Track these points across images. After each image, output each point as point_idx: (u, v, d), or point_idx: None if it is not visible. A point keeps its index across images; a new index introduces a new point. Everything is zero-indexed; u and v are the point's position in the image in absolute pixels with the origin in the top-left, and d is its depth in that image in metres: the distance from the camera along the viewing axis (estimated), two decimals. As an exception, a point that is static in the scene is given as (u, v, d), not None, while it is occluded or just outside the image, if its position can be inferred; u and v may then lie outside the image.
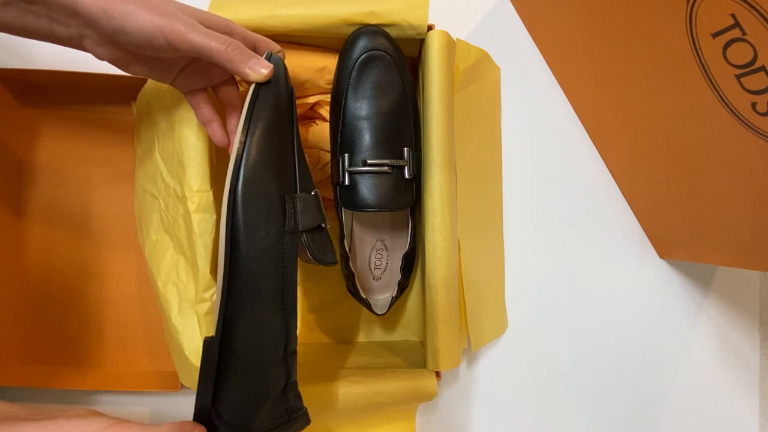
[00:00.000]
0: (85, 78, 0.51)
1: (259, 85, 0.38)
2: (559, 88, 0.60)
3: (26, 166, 0.56)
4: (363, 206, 0.46)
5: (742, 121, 0.38)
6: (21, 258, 0.56)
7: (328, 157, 0.52)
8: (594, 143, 0.60)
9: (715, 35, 0.35)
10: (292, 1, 0.46)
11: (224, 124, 0.43)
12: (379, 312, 0.53)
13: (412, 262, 0.53)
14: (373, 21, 0.46)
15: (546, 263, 0.60)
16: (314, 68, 0.49)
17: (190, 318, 0.45)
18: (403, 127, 0.48)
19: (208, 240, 0.45)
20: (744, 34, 0.33)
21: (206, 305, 0.45)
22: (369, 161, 0.46)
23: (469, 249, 0.53)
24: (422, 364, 0.50)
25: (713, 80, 0.38)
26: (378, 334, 0.59)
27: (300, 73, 0.49)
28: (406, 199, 0.47)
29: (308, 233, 0.39)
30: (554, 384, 0.59)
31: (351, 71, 0.46)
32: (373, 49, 0.45)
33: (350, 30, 0.46)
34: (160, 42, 0.35)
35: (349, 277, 0.51)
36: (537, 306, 0.59)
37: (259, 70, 0.37)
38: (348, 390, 0.47)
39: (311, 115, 0.54)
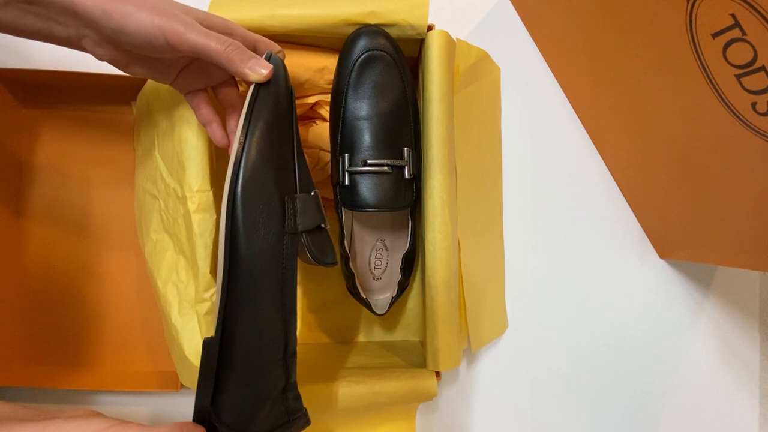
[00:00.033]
0: (85, 78, 0.51)
1: (259, 86, 0.38)
2: (559, 88, 0.60)
3: (26, 166, 0.56)
4: (363, 206, 0.46)
5: (742, 121, 0.38)
6: (21, 258, 0.56)
7: (328, 157, 0.52)
8: (594, 143, 0.60)
9: (715, 35, 0.35)
10: (292, 1, 0.46)
11: (224, 125, 0.43)
12: (379, 312, 0.53)
13: (412, 262, 0.53)
14: (373, 21, 0.46)
15: (546, 263, 0.60)
16: (314, 68, 0.49)
17: (190, 318, 0.45)
18: (403, 127, 0.48)
19: (208, 240, 0.45)
20: (744, 34, 0.33)
21: (206, 305, 0.45)
22: (369, 161, 0.46)
23: (469, 249, 0.53)
24: (422, 364, 0.50)
25: (713, 80, 0.38)
26: (378, 334, 0.59)
27: (300, 73, 0.49)
28: (406, 199, 0.47)
29: (308, 234, 0.39)
30: (554, 384, 0.59)
31: (351, 71, 0.46)
32: (373, 49, 0.45)
33: (350, 30, 0.46)
34: (160, 42, 0.35)
35: (349, 277, 0.51)
36: (537, 306, 0.59)
37: (259, 70, 0.37)
38: (348, 390, 0.47)
39: (311, 115, 0.54)
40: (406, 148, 0.47)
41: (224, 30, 0.39)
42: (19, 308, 0.55)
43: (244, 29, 0.41)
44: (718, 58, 0.36)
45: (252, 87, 0.38)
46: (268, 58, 0.39)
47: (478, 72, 0.57)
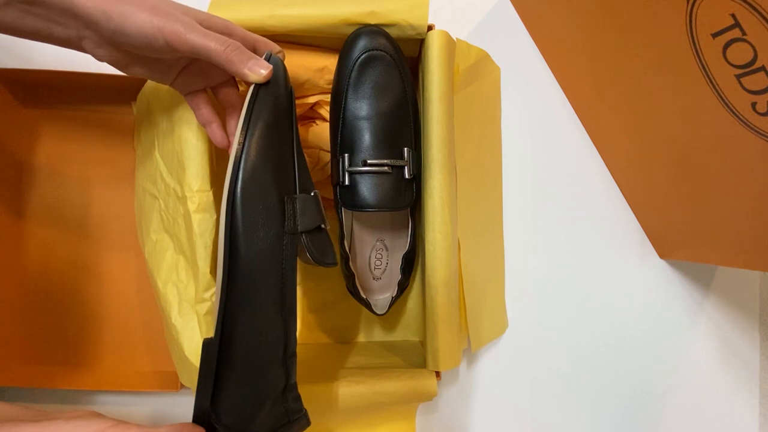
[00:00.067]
0: (85, 78, 0.51)
1: (259, 86, 0.38)
2: (559, 88, 0.60)
3: (26, 166, 0.56)
4: (363, 206, 0.46)
5: (742, 121, 0.38)
6: (21, 258, 0.56)
7: (328, 157, 0.52)
8: (594, 143, 0.60)
9: (715, 35, 0.35)
10: (292, 1, 0.46)
11: (224, 125, 0.43)
12: (379, 312, 0.53)
13: (412, 262, 0.53)
14: (373, 21, 0.46)
15: (546, 263, 0.60)
16: (314, 68, 0.49)
17: (190, 318, 0.45)
18: (403, 127, 0.48)
19: (208, 240, 0.45)
20: (744, 34, 0.33)
21: (206, 305, 0.45)
22: (369, 161, 0.46)
23: (469, 249, 0.53)
24: (422, 364, 0.50)
25: (713, 80, 0.38)
26: (378, 334, 0.59)
27: (300, 73, 0.49)
28: (406, 199, 0.47)
29: (308, 234, 0.39)
30: (554, 384, 0.59)
31: (351, 71, 0.46)
32: (373, 49, 0.45)
33: (350, 30, 0.46)
34: (160, 43, 0.35)
35: (349, 277, 0.51)
36: (537, 306, 0.59)
37: (259, 70, 0.37)
38: (348, 390, 0.47)
39: (311, 115, 0.54)
40: (406, 148, 0.47)
41: (224, 30, 0.39)
42: (19, 308, 0.55)
43: (244, 30, 0.41)
44: (718, 58, 0.36)
45: (252, 87, 0.38)
46: (268, 59, 0.39)
47: (478, 72, 0.57)
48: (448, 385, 0.58)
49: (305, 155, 0.43)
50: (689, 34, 0.37)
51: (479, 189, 0.56)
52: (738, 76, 0.36)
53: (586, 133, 0.60)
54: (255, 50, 0.40)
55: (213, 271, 0.45)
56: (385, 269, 0.54)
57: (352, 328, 0.59)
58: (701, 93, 0.40)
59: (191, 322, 0.45)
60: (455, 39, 0.50)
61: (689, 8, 0.36)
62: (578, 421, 0.59)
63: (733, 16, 0.33)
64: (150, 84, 0.49)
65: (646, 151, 0.52)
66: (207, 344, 0.35)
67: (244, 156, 0.37)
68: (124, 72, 0.39)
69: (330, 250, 0.42)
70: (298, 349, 0.40)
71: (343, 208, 0.49)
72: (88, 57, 0.38)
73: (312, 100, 0.52)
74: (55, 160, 0.57)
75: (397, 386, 0.47)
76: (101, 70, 0.47)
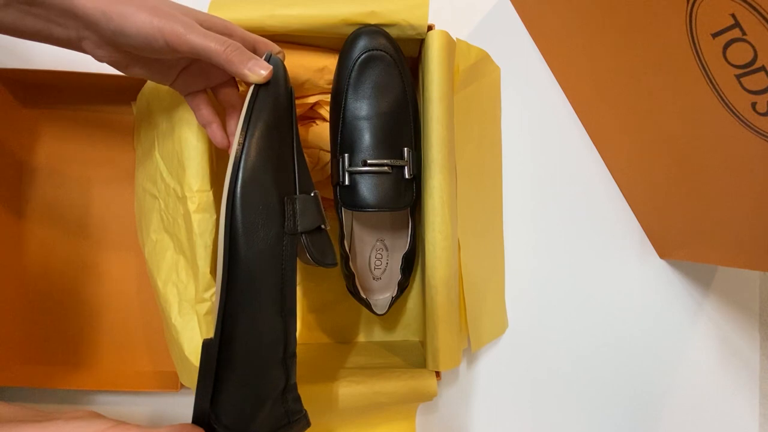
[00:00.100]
0: (85, 78, 0.51)
1: (259, 87, 0.38)
2: (559, 88, 0.60)
3: (26, 166, 0.56)
4: (363, 206, 0.46)
5: (742, 121, 0.38)
6: (21, 258, 0.56)
7: (328, 157, 0.52)
8: (594, 143, 0.60)
9: (715, 35, 0.35)
10: (292, 1, 0.46)
11: (224, 126, 0.43)
12: (379, 312, 0.53)
13: (412, 262, 0.53)
14: (373, 21, 0.46)
15: (546, 263, 0.60)
16: (314, 68, 0.49)
17: (190, 318, 0.45)
18: (403, 127, 0.48)
19: (208, 240, 0.45)
20: (744, 34, 0.33)
21: (206, 305, 0.45)
22: (369, 161, 0.46)
23: (469, 249, 0.53)
24: (422, 364, 0.50)
25: (713, 80, 0.38)
26: (378, 334, 0.59)
27: (300, 73, 0.49)
28: (406, 199, 0.47)
29: (308, 235, 0.39)
30: (554, 384, 0.59)
31: (351, 71, 0.46)
32: (373, 49, 0.45)
33: (350, 30, 0.46)
34: (159, 43, 0.35)
35: (349, 277, 0.51)
36: (537, 306, 0.59)
37: (258, 71, 0.37)
38: (348, 390, 0.47)
39: (311, 115, 0.54)
40: (406, 148, 0.47)
41: (224, 31, 0.39)
42: (19, 308, 0.55)
43: (244, 30, 0.41)
44: (718, 58, 0.36)
45: (252, 88, 0.38)
46: (268, 59, 0.39)
47: (478, 72, 0.57)
48: (448, 385, 0.58)
49: (305, 155, 0.43)
50: (689, 34, 0.37)
51: (479, 189, 0.56)
52: (738, 76, 0.36)
53: (586, 133, 0.60)
54: (255, 51, 0.40)
55: (213, 271, 0.45)
56: (385, 269, 0.54)
57: (352, 328, 0.59)
58: (701, 93, 0.39)
59: (191, 322, 0.45)
60: (455, 39, 0.50)
61: (689, 8, 0.36)
62: (578, 421, 0.59)
63: (733, 16, 0.33)
64: (150, 84, 0.49)
65: (646, 151, 0.52)
66: (207, 345, 0.35)
67: (244, 156, 0.37)
68: (124, 72, 0.39)
69: (330, 251, 0.42)
70: (298, 349, 0.40)
71: (343, 208, 0.49)
72: (88, 57, 0.38)
73: (312, 100, 0.52)
74: (55, 160, 0.57)
75: (397, 386, 0.47)
76: (101, 70, 0.47)
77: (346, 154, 0.46)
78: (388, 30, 0.46)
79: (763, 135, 0.37)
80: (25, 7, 0.34)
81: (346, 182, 0.46)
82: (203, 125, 0.43)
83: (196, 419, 0.35)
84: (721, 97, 0.38)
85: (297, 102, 0.50)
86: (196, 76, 0.42)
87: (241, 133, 0.37)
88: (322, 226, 0.41)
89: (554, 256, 0.60)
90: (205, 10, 0.43)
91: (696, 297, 0.60)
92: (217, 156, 0.47)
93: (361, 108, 0.46)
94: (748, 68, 0.35)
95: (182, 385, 0.51)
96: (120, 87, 0.53)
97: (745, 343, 0.60)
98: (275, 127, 0.38)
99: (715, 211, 0.48)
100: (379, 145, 0.46)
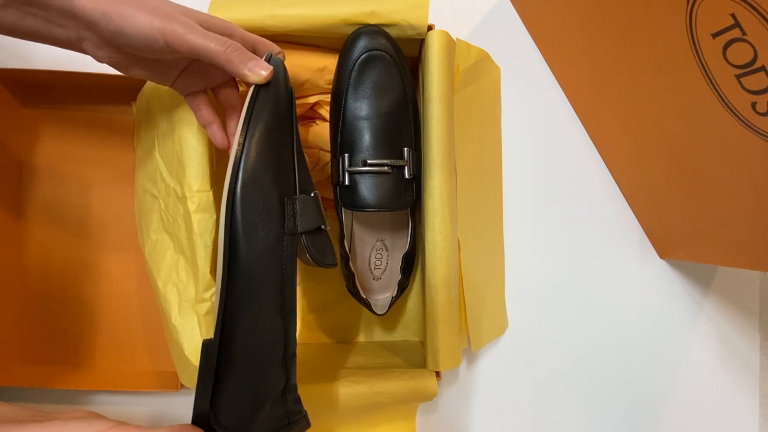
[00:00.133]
0: (85, 78, 0.51)
1: (259, 87, 0.38)
2: (559, 88, 0.60)
3: (26, 167, 0.56)
4: (363, 206, 0.46)
5: (742, 121, 0.38)
6: (21, 258, 0.56)
7: (328, 157, 0.52)
8: (594, 143, 0.60)
9: (715, 35, 0.35)
10: (292, 1, 0.46)
11: (224, 126, 0.43)
12: (379, 312, 0.53)
13: (412, 262, 0.53)
14: (373, 21, 0.46)
15: (546, 263, 0.60)
16: (314, 68, 0.49)
17: (190, 318, 0.45)
18: (403, 127, 0.48)
19: (208, 240, 0.45)
20: (744, 34, 0.33)
21: (206, 305, 0.45)
22: (369, 161, 0.46)
23: (469, 249, 0.53)
24: (422, 364, 0.50)
25: (713, 80, 0.38)
26: (378, 334, 0.59)
27: (300, 73, 0.49)
28: (406, 199, 0.47)
29: (308, 235, 0.39)
30: (554, 384, 0.59)
31: (351, 71, 0.46)
32: (373, 49, 0.45)
33: (350, 30, 0.46)
34: (160, 44, 0.35)
35: (349, 277, 0.51)
36: (537, 306, 0.59)
37: (259, 71, 0.37)
38: (348, 390, 0.47)
39: (311, 115, 0.53)
40: (406, 148, 0.47)
41: (224, 31, 0.39)
42: (19, 308, 0.55)
43: (244, 30, 0.41)
44: (718, 58, 0.36)
45: (252, 88, 0.38)
46: (268, 60, 0.39)
47: (478, 72, 0.57)
48: (448, 385, 0.58)
49: (305, 155, 0.43)
50: (689, 34, 0.37)
51: (479, 189, 0.56)
52: (738, 76, 0.36)
53: (586, 133, 0.60)
54: (255, 51, 0.40)
55: (213, 271, 0.45)
56: (385, 269, 0.54)
57: (352, 328, 0.59)
58: (701, 93, 0.39)
59: (191, 322, 0.45)
60: (455, 39, 0.50)
61: (689, 8, 0.36)
62: (578, 421, 0.59)
63: (733, 16, 0.33)
64: (150, 84, 0.49)
65: (646, 151, 0.52)
66: (206, 345, 0.35)
67: (244, 157, 0.37)
68: (124, 73, 0.39)
69: (330, 251, 0.42)
70: (298, 349, 0.40)
71: (343, 208, 0.49)
72: (88, 57, 0.38)
73: (312, 100, 0.52)
74: (55, 160, 0.57)
75: (397, 386, 0.47)
76: (101, 71, 0.47)
77: (346, 154, 0.46)
78: (388, 30, 0.46)
79: (763, 135, 0.37)
80: (24, 7, 0.34)
81: (346, 182, 0.46)
82: (203, 126, 0.43)
83: (196, 420, 0.35)
84: (721, 97, 0.38)
85: (297, 102, 0.50)
86: (197, 76, 0.42)
87: (241, 134, 0.37)
88: (322, 227, 0.41)
89: (554, 256, 0.60)
90: (204, 10, 0.43)
91: (696, 297, 0.60)
92: (217, 156, 0.47)
93: (361, 108, 0.46)
94: (748, 68, 0.35)
95: (182, 385, 0.51)
96: (120, 87, 0.53)
97: (745, 343, 0.60)
98: (275, 127, 0.38)
99: (715, 211, 0.48)
100: (379, 145, 0.46)
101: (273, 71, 0.38)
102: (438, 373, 0.49)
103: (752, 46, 0.33)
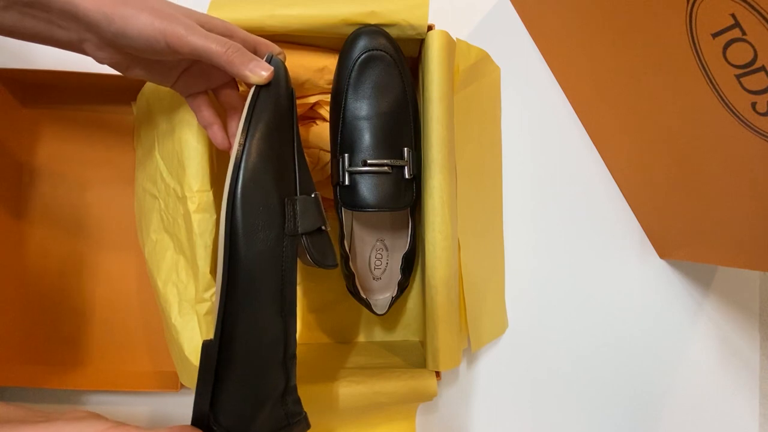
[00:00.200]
0: (85, 78, 0.51)
1: (260, 88, 0.38)
2: (559, 88, 0.60)
3: (26, 167, 0.56)
4: (363, 206, 0.46)
5: (742, 121, 0.38)
6: (20, 258, 0.56)
7: (328, 157, 0.52)
8: (594, 143, 0.60)
9: (715, 35, 0.35)
10: (292, 1, 0.46)
11: (225, 127, 0.43)
12: (379, 312, 0.53)
13: (412, 262, 0.53)
14: (373, 21, 0.46)
15: (546, 263, 0.60)
16: (314, 68, 0.49)
17: (190, 318, 0.45)
18: (403, 127, 0.48)
19: (208, 240, 0.45)
20: (744, 34, 0.33)
21: (206, 305, 0.45)
22: (369, 161, 0.46)
23: (469, 249, 0.53)
24: (422, 364, 0.50)
25: (713, 80, 0.38)
26: (378, 334, 0.59)
27: (300, 73, 0.49)
28: (406, 199, 0.47)
29: (308, 236, 0.39)
30: (554, 384, 0.59)
31: (351, 71, 0.46)
32: (373, 49, 0.45)
33: (350, 30, 0.46)
34: (161, 45, 0.35)
35: (349, 277, 0.51)
36: (537, 306, 0.59)
37: (260, 72, 0.37)
38: (348, 390, 0.47)
39: (311, 115, 0.54)
40: (406, 148, 0.47)
41: (225, 32, 0.39)
42: (19, 308, 0.55)
43: (244, 31, 0.41)
44: (718, 58, 0.36)
45: (252, 89, 0.38)
46: (269, 60, 0.39)
47: (478, 72, 0.57)
48: (448, 385, 0.58)
49: (305, 155, 0.43)
50: (689, 34, 0.37)
51: (479, 189, 0.56)
52: (738, 76, 0.36)
53: (586, 133, 0.60)
54: (256, 52, 0.40)
55: (213, 271, 0.45)
56: (385, 269, 0.54)
57: (352, 328, 0.59)
58: (701, 93, 0.40)
59: (191, 322, 0.45)
60: (455, 39, 0.50)
61: (689, 8, 0.36)
62: (578, 421, 0.59)
63: (733, 16, 0.33)
64: (150, 84, 0.49)
65: (646, 151, 0.52)
66: (206, 345, 0.35)
67: (244, 157, 0.37)
68: (124, 74, 0.39)
69: (330, 252, 0.42)
70: (298, 350, 0.40)
71: (343, 208, 0.49)
72: (89, 57, 0.38)
73: (312, 100, 0.52)
74: (54, 160, 0.57)
75: (397, 386, 0.47)
76: (101, 71, 0.47)
77: (346, 154, 0.46)
78: (388, 30, 0.46)
79: (763, 135, 0.37)
80: (26, 9, 0.34)
81: (346, 182, 0.46)
82: (204, 126, 0.43)
83: (196, 421, 0.35)
84: (721, 97, 0.38)
85: (297, 102, 0.50)
86: (197, 77, 0.42)
87: (241, 135, 0.37)
88: (323, 228, 0.41)
89: (554, 256, 0.60)
90: (204, 10, 0.43)
91: (696, 297, 0.60)
92: (217, 156, 0.47)
93: (361, 108, 0.46)
94: (748, 68, 0.35)
95: (182, 385, 0.51)
96: (120, 87, 0.53)
97: (745, 343, 0.60)
98: (276, 128, 0.38)
99: (715, 211, 0.48)
100: (379, 145, 0.46)
101: (274, 72, 0.38)
102: (438, 373, 0.49)
103: (752, 46, 0.33)
